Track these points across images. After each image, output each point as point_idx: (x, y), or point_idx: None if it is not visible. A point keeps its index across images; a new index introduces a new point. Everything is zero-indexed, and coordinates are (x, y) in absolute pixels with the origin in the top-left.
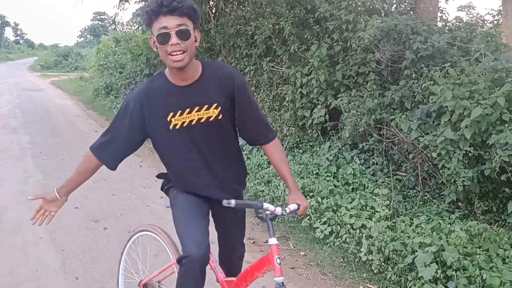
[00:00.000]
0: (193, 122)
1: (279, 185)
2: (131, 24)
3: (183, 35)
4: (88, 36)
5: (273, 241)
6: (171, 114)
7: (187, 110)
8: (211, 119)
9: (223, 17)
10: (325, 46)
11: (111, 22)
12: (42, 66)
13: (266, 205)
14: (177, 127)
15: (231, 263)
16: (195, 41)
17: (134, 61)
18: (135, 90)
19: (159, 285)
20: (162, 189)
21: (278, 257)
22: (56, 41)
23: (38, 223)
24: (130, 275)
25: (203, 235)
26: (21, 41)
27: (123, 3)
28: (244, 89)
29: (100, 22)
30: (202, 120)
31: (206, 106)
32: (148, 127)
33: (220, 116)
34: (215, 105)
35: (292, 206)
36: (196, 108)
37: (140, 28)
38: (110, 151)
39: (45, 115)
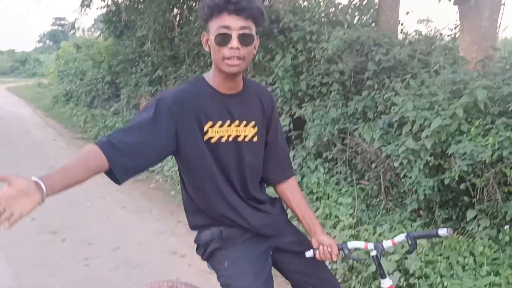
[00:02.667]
0: (230, 139)
1: None
2: (93, 30)
3: (245, 39)
4: (48, 41)
5: (387, 283)
6: (210, 123)
7: (228, 122)
8: (247, 139)
9: (187, 26)
10: (290, 56)
11: (70, 27)
12: None
13: (352, 244)
14: (212, 140)
15: None
16: (254, 48)
17: (96, 68)
18: (169, 91)
19: None
20: (202, 254)
21: None
22: (13, 46)
23: None
24: None
25: None
26: None
27: (85, 8)
28: (277, 116)
29: (60, 27)
30: (239, 139)
31: (245, 122)
32: (180, 137)
33: (256, 138)
34: (253, 123)
35: (398, 238)
36: (236, 122)
37: (102, 35)
38: (125, 155)
39: None
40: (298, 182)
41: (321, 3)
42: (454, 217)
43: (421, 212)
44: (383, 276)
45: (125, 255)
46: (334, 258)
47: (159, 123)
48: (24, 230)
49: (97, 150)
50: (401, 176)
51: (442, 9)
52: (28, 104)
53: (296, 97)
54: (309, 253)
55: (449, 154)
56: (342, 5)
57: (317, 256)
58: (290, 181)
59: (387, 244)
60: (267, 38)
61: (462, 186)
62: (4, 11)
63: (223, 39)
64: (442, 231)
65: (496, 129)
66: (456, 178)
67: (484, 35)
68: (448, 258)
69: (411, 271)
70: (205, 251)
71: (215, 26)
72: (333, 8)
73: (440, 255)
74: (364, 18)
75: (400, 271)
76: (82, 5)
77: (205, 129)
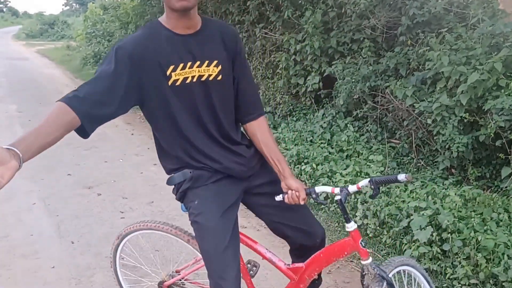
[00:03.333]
0: (194, 79)
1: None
2: None
3: None
4: (74, 4)
5: (352, 226)
6: (172, 67)
7: (189, 63)
8: (211, 78)
9: None
10: (320, 12)
11: None
12: (27, 34)
13: (319, 188)
14: (178, 83)
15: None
16: None
17: (123, 29)
18: (127, 38)
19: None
20: (176, 194)
21: (363, 240)
22: (41, 9)
23: None
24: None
25: (239, 268)
26: (4, 9)
27: None
28: (244, 53)
29: None
30: (203, 79)
31: (207, 62)
32: (142, 84)
33: (220, 77)
34: (215, 62)
35: (362, 182)
36: (198, 63)
37: None
38: (92, 106)
39: (32, 84)
40: (328, 140)
41: None
42: (487, 175)
43: (453, 170)
44: (347, 220)
45: (159, 208)
46: (301, 202)
47: (120, 71)
48: (61, 185)
49: (65, 106)
50: (434, 133)
51: None
52: (58, 66)
53: (326, 55)
54: (278, 197)
55: (485, 110)
56: None
57: (286, 199)
58: (259, 120)
59: (352, 188)
60: None
61: (498, 142)
62: None
63: None
64: (401, 176)
65: None
66: (492, 135)
67: None
68: (481, 214)
69: (443, 226)
70: (178, 192)
71: None
72: None
73: (474, 211)
74: None
75: (432, 226)
76: None
77: (168, 73)
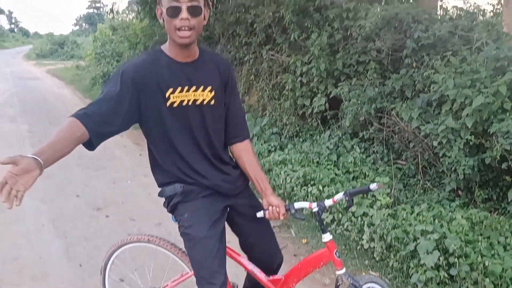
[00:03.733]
0: (190, 103)
1: (280, 173)
2: (127, 12)
3: (194, 11)
4: (84, 24)
5: (327, 237)
6: (171, 90)
7: (186, 87)
8: (205, 102)
9: (222, 5)
10: (326, 35)
11: (108, 11)
12: (38, 54)
13: (298, 204)
14: (175, 105)
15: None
16: (204, 19)
17: (132, 50)
18: (131, 62)
19: None
20: (167, 206)
21: (337, 251)
22: (51, 30)
23: (8, 206)
24: None
25: (226, 279)
26: (15, 30)
27: None
28: (235, 82)
29: (95, 10)
30: (197, 102)
31: (202, 87)
32: (143, 105)
33: (213, 102)
34: (209, 87)
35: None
36: (194, 88)
37: (137, 16)
38: (99, 124)
39: (43, 104)
40: (334, 162)
41: None
42: (494, 197)
43: (460, 192)
44: (324, 231)
45: (167, 230)
46: (281, 217)
47: (124, 93)
48: (70, 206)
49: (77, 122)
50: (440, 155)
51: None
52: (67, 85)
53: (332, 76)
54: (259, 214)
55: (490, 133)
56: None
57: (267, 215)
58: (245, 143)
59: (328, 202)
60: (303, 16)
61: (504, 165)
62: None
63: (174, 11)
64: (373, 185)
65: None
66: (498, 157)
67: None
68: (488, 238)
69: (450, 250)
70: (169, 204)
71: (167, 0)
72: None
73: (481, 235)
74: None
75: (439, 250)
76: None
77: (167, 95)
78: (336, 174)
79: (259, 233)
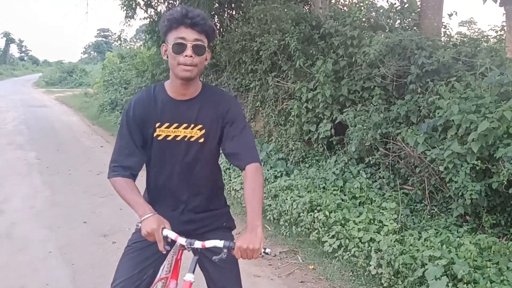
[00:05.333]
0: (178, 138)
1: (287, 199)
2: (135, 40)
3: (198, 50)
4: (92, 52)
5: (188, 277)
6: (158, 124)
7: (175, 124)
8: (193, 139)
9: (228, 34)
10: (331, 61)
11: (116, 39)
12: (47, 82)
13: (166, 232)
14: (159, 138)
15: None
16: (206, 59)
17: (139, 77)
18: (133, 98)
19: None
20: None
21: None
22: (60, 58)
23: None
24: None
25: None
26: (25, 58)
27: (129, 20)
28: (238, 115)
29: (104, 39)
30: (186, 139)
31: (192, 125)
32: (143, 135)
33: (202, 140)
34: (199, 126)
35: (211, 243)
36: (184, 125)
37: (145, 44)
38: (136, 169)
39: (51, 131)
40: (340, 187)
41: (362, 8)
42: (502, 222)
43: (467, 217)
44: (190, 269)
45: None
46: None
47: (131, 131)
48: (78, 234)
49: (129, 180)
50: (447, 180)
51: (486, 11)
52: (76, 113)
53: (337, 102)
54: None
55: (497, 157)
56: (383, 9)
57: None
58: (248, 168)
59: (197, 244)
60: (307, 44)
61: (511, 190)
62: (50, 24)
63: (179, 48)
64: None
65: None
66: (505, 182)
67: None
68: (497, 263)
69: (459, 276)
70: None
71: (172, 37)
72: (374, 13)
73: (489, 260)
74: (406, 22)
75: (447, 276)
76: (126, 16)
77: (155, 127)
78: (342, 200)
79: (223, 272)
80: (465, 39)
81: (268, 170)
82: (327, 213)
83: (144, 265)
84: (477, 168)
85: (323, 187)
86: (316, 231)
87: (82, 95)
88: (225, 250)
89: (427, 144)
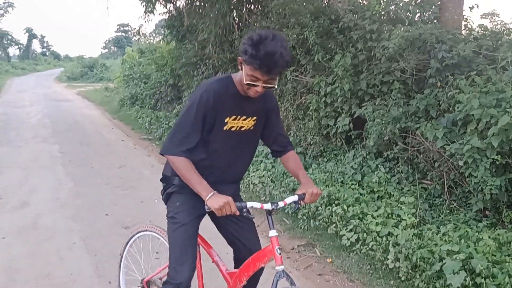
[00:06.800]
0: (240, 129)
1: None
2: (154, 35)
3: (268, 86)
4: (112, 47)
5: (272, 233)
6: (228, 115)
7: (238, 116)
8: (249, 128)
9: (247, 28)
10: (349, 56)
11: (135, 33)
12: (69, 77)
13: (250, 203)
14: (229, 128)
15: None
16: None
17: (159, 72)
18: (210, 87)
19: (161, 282)
20: (163, 194)
21: (279, 248)
22: (81, 53)
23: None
24: (132, 273)
25: (195, 262)
26: (47, 53)
27: (148, 15)
28: (278, 110)
29: (123, 34)
30: (243, 129)
31: (250, 118)
32: (207, 120)
33: (253, 129)
34: (254, 118)
35: (290, 199)
36: (244, 117)
37: (164, 39)
38: (192, 149)
39: (73, 125)
40: (359, 181)
41: (382, 1)
42: None
43: (487, 212)
44: (270, 227)
45: None
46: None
47: (204, 119)
48: (100, 225)
49: (190, 162)
50: (466, 175)
51: (509, 2)
52: (97, 107)
53: (356, 97)
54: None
55: None
56: (403, 2)
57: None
58: (289, 154)
59: (280, 204)
60: (326, 38)
61: None
62: (76, 19)
63: (252, 83)
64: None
65: None
66: None
67: None
68: None
69: (477, 271)
70: (165, 192)
71: (249, 70)
72: (394, 6)
73: (508, 255)
74: (426, 15)
75: (465, 271)
76: (145, 11)
77: (226, 120)
78: (360, 194)
79: (241, 227)
80: (486, 32)
81: None
82: (345, 207)
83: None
84: (497, 163)
85: (341, 181)
86: (334, 224)
87: (103, 90)
88: (300, 201)
89: (446, 138)
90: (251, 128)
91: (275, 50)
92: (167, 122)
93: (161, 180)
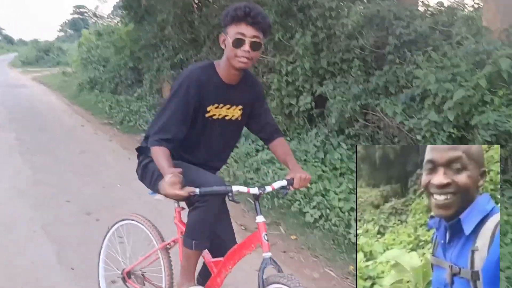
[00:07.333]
0: (223, 117)
1: (268, 172)
2: (112, 17)
3: (255, 45)
4: (69, 30)
5: (260, 219)
6: (211, 104)
7: (222, 105)
8: (234, 118)
9: (206, 8)
10: (309, 34)
11: (92, 15)
12: (23, 62)
13: (236, 187)
14: (211, 116)
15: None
16: (260, 52)
17: (118, 55)
18: (190, 75)
19: (142, 273)
20: (138, 169)
21: (266, 234)
22: (36, 36)
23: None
24: (112, 264)
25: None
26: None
27: None
28: (263, 98)
29: (80, 16)
30: (228, 118)
31: (234, 106)
32: (190, 112)
33: (240, 118)
34: (240, 107)
35: (277, 184)
36: (228, 106)
37: (122, 21)
38: (173, 136)
39: (30, 111)
40: (321, 159)
41: None
42: None
43: None
44: (257, 213)
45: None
46: (307, 184)
47: (188, 108)
48: (62, 213)
49: (162, 149)
50: None
51: None
52: (54, 92)
53: (317, 75)
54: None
55: (472, 125)
56: None
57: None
58: (277, 140)
59: (268, 188)
60: (286, 16)
61: None
62: (24, 2)
63: (238, 42)
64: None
65: None
66: None
67: (509, 3)
68: None
69: None
70: (141, 164)
71: (233, 32)
72: None
73: None
74: None
75: None
76: None
77: (208, 108)
78: (323, 171)
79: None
80: (442, 8)
81: (250, 144)
82: (308, 184)
83: None
84: (454, 136)
85: (304, 160)
86: (298, 202)
87: (60, 74)
88: (289, 186)
89: (405, 114)
90: (239, 118)
91: (255, 5)
92: (127, 106)
93: (136, 149)
